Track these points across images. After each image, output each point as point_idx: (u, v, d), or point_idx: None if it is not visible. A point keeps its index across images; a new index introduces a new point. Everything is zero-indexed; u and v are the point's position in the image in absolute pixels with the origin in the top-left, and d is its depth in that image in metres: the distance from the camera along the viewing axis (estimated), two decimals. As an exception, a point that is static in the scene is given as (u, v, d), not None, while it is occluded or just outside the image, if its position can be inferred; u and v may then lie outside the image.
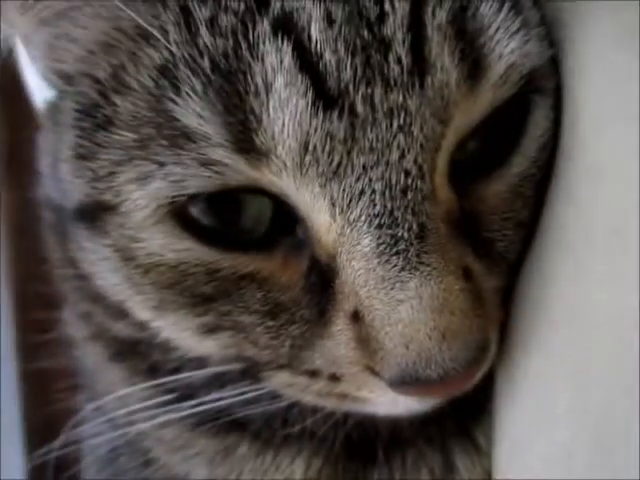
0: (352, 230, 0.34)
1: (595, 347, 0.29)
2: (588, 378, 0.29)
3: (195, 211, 0.36)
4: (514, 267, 0.39)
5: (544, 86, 0.38)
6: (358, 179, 0.33)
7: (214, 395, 0.42)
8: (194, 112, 0.33)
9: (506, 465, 0.39)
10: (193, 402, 0.43)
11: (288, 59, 0.33)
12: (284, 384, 0.40)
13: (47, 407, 0.58)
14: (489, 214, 0.38)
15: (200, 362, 0.43)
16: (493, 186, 0.38)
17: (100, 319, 0.47)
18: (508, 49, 0.35)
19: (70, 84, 0.40)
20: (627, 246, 0.28)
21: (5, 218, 0.78)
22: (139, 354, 0.46)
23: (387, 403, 0.37)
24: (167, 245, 0.37)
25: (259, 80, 0.32)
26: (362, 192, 0.33)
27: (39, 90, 0.48)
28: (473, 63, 0.34)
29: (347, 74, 0.33)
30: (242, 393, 0.41)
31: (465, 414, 0.43)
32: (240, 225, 0.37)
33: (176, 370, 0.44)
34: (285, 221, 0.37)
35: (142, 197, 0.36)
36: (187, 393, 0.44)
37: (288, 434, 0.44)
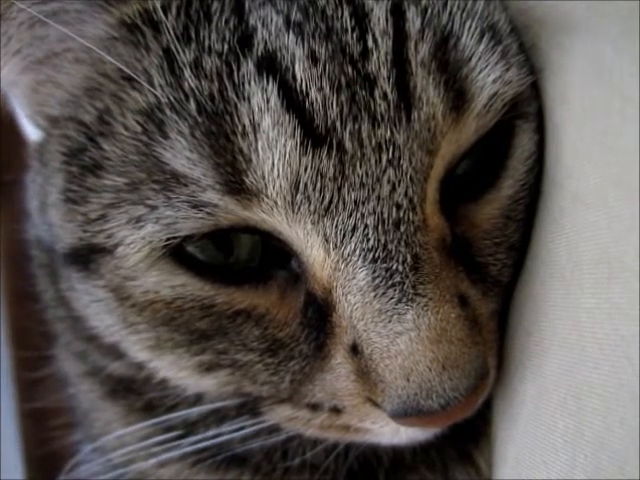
0: (347, 265, 0.34)
1: (587, 376, 0.29)
2: (582, 406, 0.29)
3: (190, 248, 0.36)
4: (508, 290, 0.40)
5: (526, 111, 0.39)
6: (350, 215, 0.34)
7: (213, 431, 0.42)
8: (183, 156, 0.33)
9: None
10: (192, 439, 0.43)
11: (274, 99, 0.33)
12: (286, 418, 0.40)
13: (46, 445, 0.57)
14: (481, 239, 0.38)
15: (197, 398, 0.43)
16: (484, 210, 0.38)
17: (95, 358, 0.47)
18: (490, 79, 0.35)
19: (56, 127, 0.40)
20: (615, 276, 0.28)
21: (1, 255, 0.77)
22: (135, 392, 0.46)
23: (390, 434, 0.38)
24: (162, 282, 0.37)
25: (246, 121, 0.33)
26: (355, 227, 0.34)
27: (28, 130, 0.48)
28: (457, 94, 0.35)
29: (334, 111, 0.33)
30: (241, 428, 0.41)
31: (465, 438, 0.43)
32: (234, 258, 0.37)
33: (173, 407, 0.44)
34: (278, 255, 0.37)
35: (135, 241, 0.36)
36: (185, 430, 0.43)
37: (288, 467, 0.44)
